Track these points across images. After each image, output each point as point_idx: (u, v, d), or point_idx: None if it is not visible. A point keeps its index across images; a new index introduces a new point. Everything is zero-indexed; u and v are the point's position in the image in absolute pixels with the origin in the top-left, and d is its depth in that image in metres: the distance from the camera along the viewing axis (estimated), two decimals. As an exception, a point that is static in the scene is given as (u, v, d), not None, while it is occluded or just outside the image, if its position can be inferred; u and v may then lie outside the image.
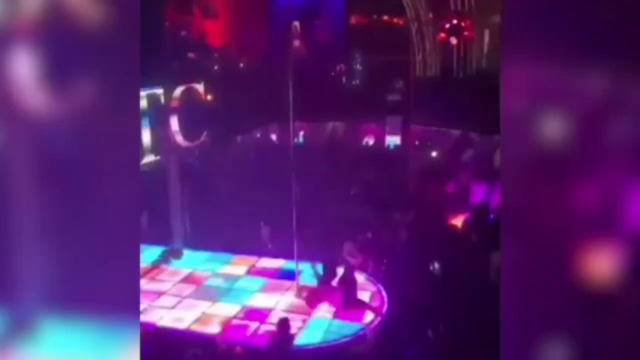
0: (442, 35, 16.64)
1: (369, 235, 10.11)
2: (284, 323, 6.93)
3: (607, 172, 3.10)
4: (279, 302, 8.53)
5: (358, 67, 21.10)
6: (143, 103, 9.57)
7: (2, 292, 3.29)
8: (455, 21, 16.18)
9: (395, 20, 20.68)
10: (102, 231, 3.29)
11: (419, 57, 18.43)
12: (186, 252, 10.58)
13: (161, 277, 9.69)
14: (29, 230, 3.31)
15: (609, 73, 3.05)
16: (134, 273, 3.50)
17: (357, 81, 21.00)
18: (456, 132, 15.70)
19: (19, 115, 3.20)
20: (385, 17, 21.19)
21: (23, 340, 3.31)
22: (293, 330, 7.32)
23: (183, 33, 16.46)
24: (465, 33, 16.35)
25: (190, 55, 15.49)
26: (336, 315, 8.01)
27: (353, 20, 21.77)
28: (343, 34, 21.40)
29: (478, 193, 11.40)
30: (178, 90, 9.88)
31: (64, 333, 3.30)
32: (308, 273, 9.31)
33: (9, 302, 3.30)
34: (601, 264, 3.11)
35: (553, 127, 3.13)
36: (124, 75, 3.28)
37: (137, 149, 3.66)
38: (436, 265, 8.94)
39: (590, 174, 3.12)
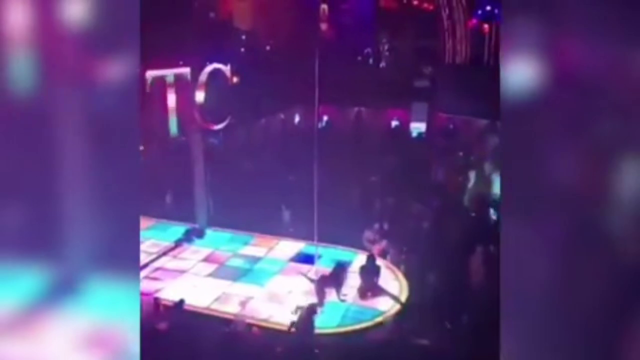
0: (474, 21, 16.29)
1: (390, 222, 10.05)
2: (309, 309, 6.99)
3: None
4: (297, 285, 8.60)
5: (385, 51, 20.82)
6: (171, 82, 9.72)
7: (49, 251, 3.40)
8: (488, 7, 15.82)
9: (425, 4, 20.26)
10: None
11: (448, 44, 18.08)
12: (208, 232, 10.74)
13: (183, 255, 9.87)
14: (75, 192, 3.42)
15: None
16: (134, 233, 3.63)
17: (384, 66, 20.72)
18: (483, 122, 15.43)
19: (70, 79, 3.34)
20: (415, 1, 20.77)
21: (69, 298, 3.41)
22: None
23: (212, 14, 16.51)
24: (498, 20, 15.95)
25: (218, 36, 15.54)
26: (354, 301, 8.03)
27: (382, 3, 21.37)
28: (371, 18, 21.09)
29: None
30: (205, 71, 9.92)
31: (109, 292, 3.39)
32: (327, 257, 9.35)
33: (55, 260, 3.41)
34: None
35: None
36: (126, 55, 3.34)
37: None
38: (457, 255, 8.85)
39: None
